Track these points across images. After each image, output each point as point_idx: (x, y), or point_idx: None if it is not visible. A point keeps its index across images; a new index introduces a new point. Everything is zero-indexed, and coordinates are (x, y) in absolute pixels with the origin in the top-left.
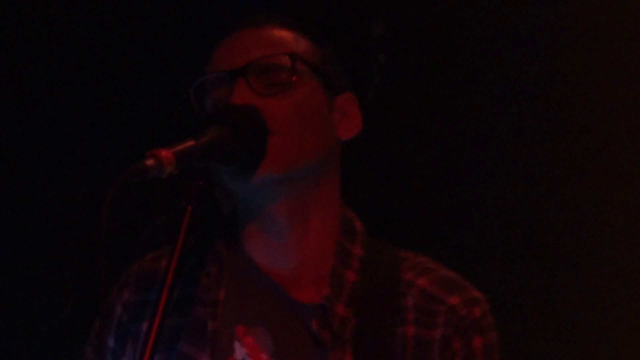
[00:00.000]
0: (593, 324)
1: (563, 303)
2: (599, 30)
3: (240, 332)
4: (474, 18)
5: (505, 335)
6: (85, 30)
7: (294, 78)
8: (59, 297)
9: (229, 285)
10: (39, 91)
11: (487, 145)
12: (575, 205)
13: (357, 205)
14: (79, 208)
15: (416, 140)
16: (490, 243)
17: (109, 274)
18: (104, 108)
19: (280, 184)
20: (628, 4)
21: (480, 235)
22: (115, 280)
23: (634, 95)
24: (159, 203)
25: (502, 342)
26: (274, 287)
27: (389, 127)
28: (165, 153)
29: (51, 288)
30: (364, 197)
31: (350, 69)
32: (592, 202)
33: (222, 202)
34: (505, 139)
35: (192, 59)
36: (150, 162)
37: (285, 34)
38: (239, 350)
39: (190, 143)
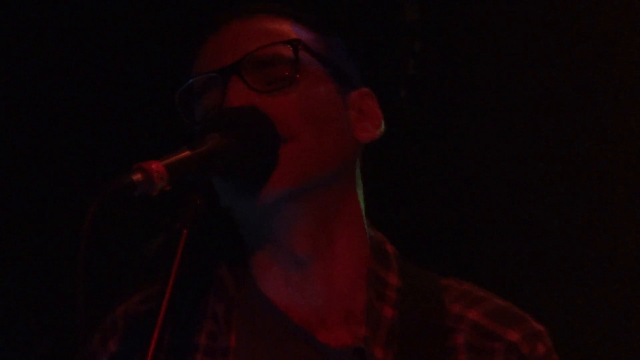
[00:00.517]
0: (593, 324)
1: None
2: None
3: None
4: None
5: None
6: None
7: (299, 69)
8: (27, 344)
9: (240, 329)
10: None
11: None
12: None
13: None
14: (52, 234)
15: (456, 146)
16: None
17: (90, 318)
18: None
19: (296, 199)
20: None
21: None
22: (97, 325)
23: None
24: (148, 227)
25: None
26: (296, 330)
27: (422, 128)
28: (155, 166)
29: (18, 333)
30: (389, 211)
31: (378, 60)
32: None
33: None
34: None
35: (177, 59)
36: (137, 176)
37: (283, 22)
38: None
39: (186, 153)
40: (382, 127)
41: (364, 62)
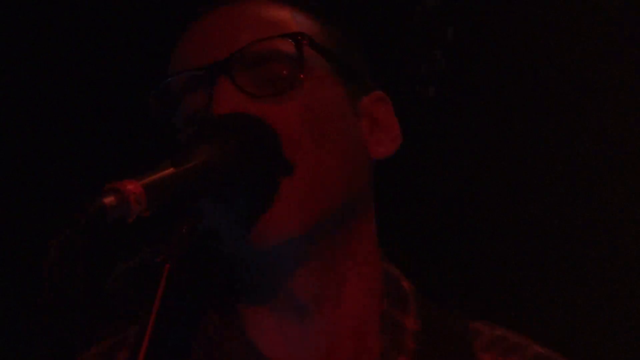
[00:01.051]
0: (593, 324)
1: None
2: None
3: None
4: None
5: None
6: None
7: (302, 69)
8: (27, 344)
9: None
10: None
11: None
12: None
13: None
14: (52, 234)
15: (455, 146)
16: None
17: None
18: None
19: (301, 244)
20: None
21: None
22: None
23: None
24: (122, 258)
25: None
26: None
27: (422, 128)
28: (132, 186)
29: (18, 333)
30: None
31: (400, 54)
32: None
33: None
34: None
35: (153, 53)
36: (110, 199)
37: (281, 9)
38: None
39: (169, 171)
40: (400, 139)
41: (378, 58)
